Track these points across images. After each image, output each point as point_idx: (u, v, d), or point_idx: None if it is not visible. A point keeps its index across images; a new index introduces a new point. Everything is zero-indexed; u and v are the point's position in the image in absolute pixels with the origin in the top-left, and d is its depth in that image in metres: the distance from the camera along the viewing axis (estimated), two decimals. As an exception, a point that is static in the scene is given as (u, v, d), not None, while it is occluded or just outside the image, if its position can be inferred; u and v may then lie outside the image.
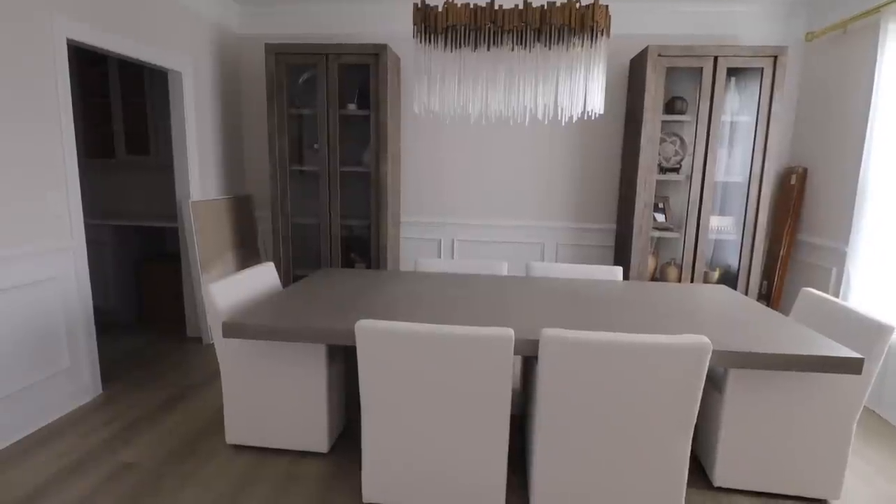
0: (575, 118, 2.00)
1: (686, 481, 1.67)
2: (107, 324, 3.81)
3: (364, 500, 1.80)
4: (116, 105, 3.83)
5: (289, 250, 3.52)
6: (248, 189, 4.01)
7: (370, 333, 1.62)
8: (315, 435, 2.09)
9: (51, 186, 2.35)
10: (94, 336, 2.62)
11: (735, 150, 3.38)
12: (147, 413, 2.48)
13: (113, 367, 3.04)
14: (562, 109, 1.96)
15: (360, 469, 2.03)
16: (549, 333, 1.56)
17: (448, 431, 1.70)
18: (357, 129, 3.69)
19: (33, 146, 2.25)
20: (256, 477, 1.98)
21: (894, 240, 2.52)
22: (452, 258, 2.87)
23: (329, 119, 3.31)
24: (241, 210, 3.86)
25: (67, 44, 2.40)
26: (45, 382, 2.35)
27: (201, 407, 2.55)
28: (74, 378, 2.52)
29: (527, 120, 1.98)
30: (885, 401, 2.56)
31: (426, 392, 1.66)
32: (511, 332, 1.56)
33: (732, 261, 3.42)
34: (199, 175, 3.44)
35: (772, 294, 3.36)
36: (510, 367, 1.60)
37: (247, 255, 3.87)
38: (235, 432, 2.15)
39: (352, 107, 3.40)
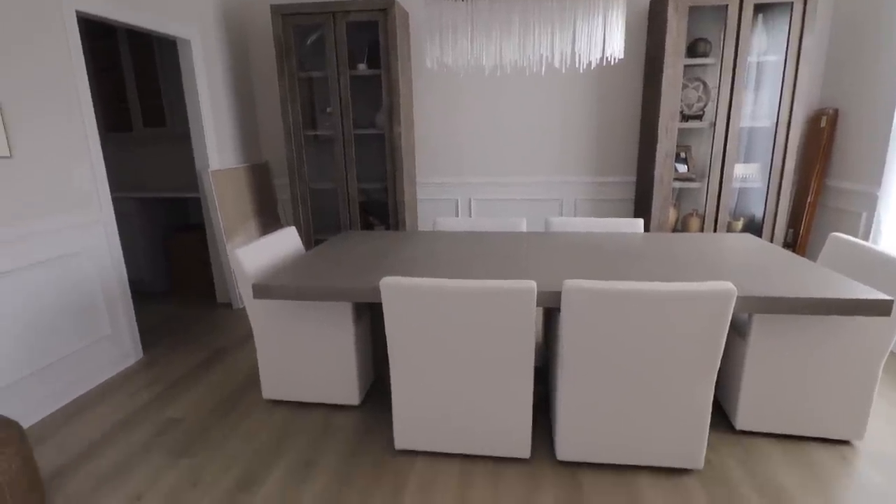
0: (593, 65, 1.94)
1: (708, 425, 1.70)
2: (140, 294, 3.97)
3: (396, 447, 1.89)
4: (130, 78, 3.83)
5: (308, 215, 3.57)
6: (264, 155, 4.03)
7: (395, 290, 1.66)
8: (346, 389, 2.18)
9: (76, 161, 2.40)
10: (131, 303, 2.74)
11: (761, 93, 3.25)
12: (187, 373, 2.62)
13: (150, 333, 3.19)
14: (579, 56, 1.90)
15: (391, 419, 2.13)
16: (571, 284, 1.58)
17: (474, 381, 1.76)
18: (369, 89, 3.65)
19: (55, 123, 2.29)
20: (294, 428, 2.09)
21: (930, 180, 2.43)
22: (470, 218, 2.87)
23: (340, 81, 3.26)
24: (260, 177, 3.90)
25: (77, 17, 2.39)
26: (89, 348, 2.49)
27: (237, 366, 2.68)
28: (117, 343, 2.65)
29: (543, 69, 1.92)
30: (913, 344, 2.54)
31: (452, 345, 1.71)
32: (533, 284, 1.58)
33: (757, 210, 3.35)
34: (217, 144, 3.47)
35: (797, 242, 3.29)
36: (533, 318, 1.63)
37: (268, 222, 3.93)
38: (271, 388, 2.26)
39: (362, 67, 3.35)
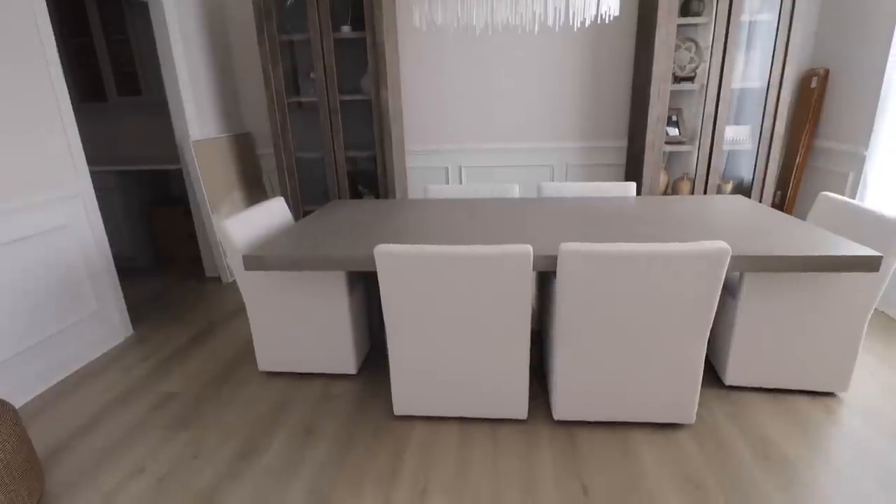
0: (587, 22, 1.88)
1: (700, 382, 1.75)
2: (124, 269, 3.88)
3: (395, 413, 1.91)
4: (100, 44, 3.64)
5: (295, 185, 3.49)
6: (246, 126, 3.90)
7: (390, 257, 1.64)
8: (343, 358, 2.18)
9: (49, 132, 2.29)
10: (117, 279, 2.68)
11: (753, 53, 3.21)
12: (179, 348, 2.59)
13: (138, 309, 3.14)
14: (574, 13, 1.84)
15: (389, 386, 2.14)
16: (567, 247, 1.57)
17: (472, 346, 1.76)
18: (353, 53, 3.52)
19: (24, 92, 2.17)
20: (293, 398, 2.09)
21: (917, 138, 2.45)
22: (461, 185, 2.83)
23: (324, 44, 3.14)
24: (243, 148, 3.78)
25: (40, -27, 2.24)
26: (77, 326, 2.44)
27: (230, 340, 2.66)
28: (104, 320, 2.61)
29: (536, 28, 1.86)
30: (893, 301, 2.61)
31: (449, 310, 1.71)
32: (530, 248, 1.58)
33: (745, 172, 3.36)
34: (197, 113, 3.34)
35: (785, 204, 3.33)
36: (530, 282, 1.63)
37: (254, 194, 3.84)
38: (266, 360, 2.25)
39: (346, 29, 3.22)
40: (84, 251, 2.48)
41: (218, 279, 3.62)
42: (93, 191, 2.53)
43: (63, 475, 1.71)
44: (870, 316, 1.84)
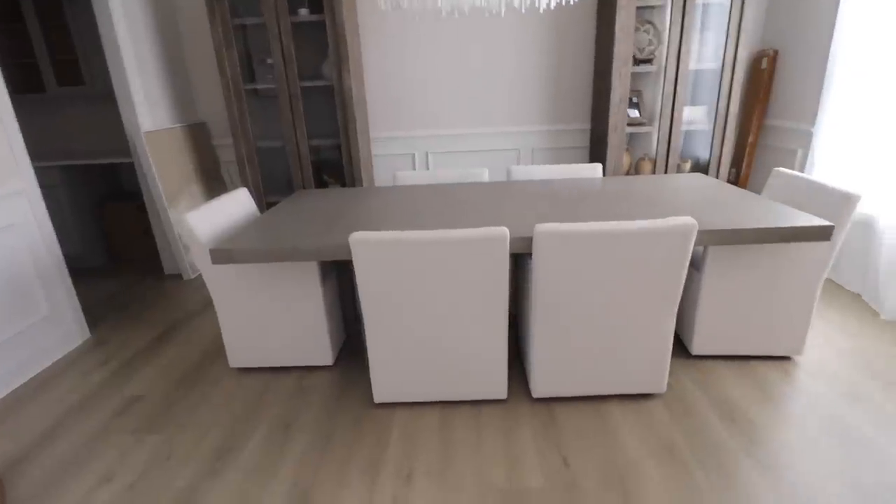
0: (553, 4, 1.88)
1: (670, 352, 1.82)
2: (76, 269, 3.67)
3: (376, 401, 1.90)
4: (35, 30, 3.37)
5: (257, 176, 3.37)
6: (201, 115, 3.73)
7: (366, 245, 1.61)
8: (319, 350, 2.14)
9: (-16, 123, 2.12)
10: (69, 279, 2.53)
11: (708, 35, 3.31)
12: (143, 349, 2.48)
13: (95, 311, 2.98)
14: (539, -6, 1.84)
15: (367, 375, 2.12)
16: (542, 228, 1.59)
17: (450, 330, 1.77)
18: (312, 37, 3.41)
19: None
20: (268, 393, 2.05)
21: (857, 118, 2.60)
22: (429, 171, 2.81)
23: (280, 27, 3.02)
24: (198, 138, 3.62)
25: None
26: (29, 331, 2.29)
27: (196, 338, 2.56)
28: (57, 324, 2.46)
29: (503, 10, 1.85)
30: (842, 269, 2.79)
31: (426, 296, 1.70)
32: (506, 230, 1.58)
33: (702, 151, 3.48)
34: (147, 103, 3.16)
35: (739, 180, 3.48)
36: (507, 264, 1.64)
37: (213, 186, 3.70)
38: (238, 357, 2.18)
39: (303, 12, 3.10)
40: (33, 251, 2.32)
41: (178, 276, 3.48)
42: (38, 187, 2.36)
43: (26, 488, 1.62)
44: (821, 283, 1.95)
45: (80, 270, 3.66)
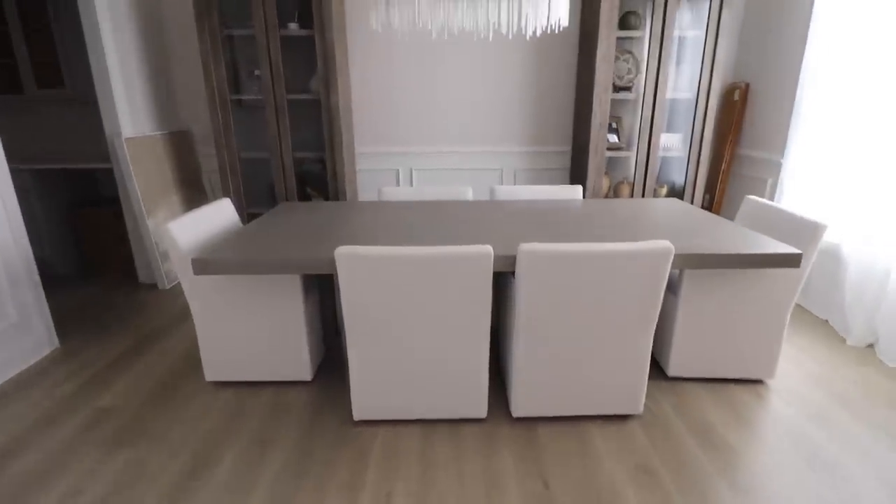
0: (539, 31, 1.95)
1: (647, 374, 1.85)
2: (46, 276, 3.54)
3: (355, 418, 1.88)
4: (16, 32, 3.31)
5: (239, 187, 3.35)
6: (185, 123, 3.69)
7: (351, 259, 1.61)
8: (297, 364, 2.12)
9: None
10: (41, 286, 2.45)
11: (683, 66, 3.45)
12: (115, 360, 2.41)
13: (65, 320, 2.88)
14: (526, 22, 1.91)
15: (346, 392, 2.10)
16: (526, 247, 1.62)
17: (432, 347, 1.77)
18: (301, 51, 3.43)
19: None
20: (244, 408, 2.01)
21: (823, 151, 2.73)
22: (414, 187, 2.84)
23: (269, 41, 3.04)
24: (181, 146, 3.58)
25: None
26: (-7, 339, 2.21)
27: (171, 350, 2.50)
28: (25, 332, 2.37)
29: (490, 35, 1.91)
30: (811, 296, 2.90)
31: (409, 312, 1.71)
32: (490, 248, 1.61)
33: (677, 177, 3.60)
34: (129, 108, 3.12)
35: (713, 206, 3.60)
36: (490, 282, 1.66)
37: (193, 195, 3.65)
38: (214, 370, 2.14)
39: (293, 26, 3.13)
40: (2, 255, 2.25)
41: (154, 286, 3.40)
42: (12, 189, 2.30)
43: (-17, 506, 1.55)
44: (791, 308, 2.03)
45: (52, 277, 3.55)
